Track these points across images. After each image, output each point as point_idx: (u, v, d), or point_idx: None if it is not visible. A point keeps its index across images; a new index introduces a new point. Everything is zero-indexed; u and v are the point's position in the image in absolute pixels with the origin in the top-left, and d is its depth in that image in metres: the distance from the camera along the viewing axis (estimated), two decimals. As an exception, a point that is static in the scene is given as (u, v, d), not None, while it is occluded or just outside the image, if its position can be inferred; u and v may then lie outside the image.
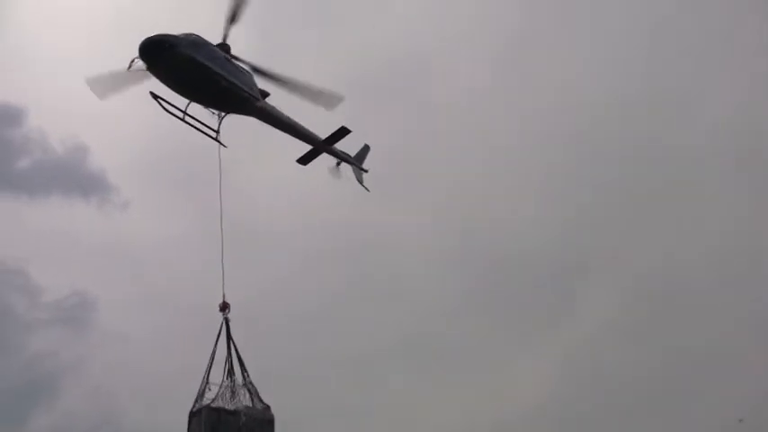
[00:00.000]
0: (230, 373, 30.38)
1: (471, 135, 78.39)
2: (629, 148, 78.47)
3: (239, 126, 37.27)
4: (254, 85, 37.17)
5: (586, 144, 78.70)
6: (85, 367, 62.89)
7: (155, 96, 34.58)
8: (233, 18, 35.15)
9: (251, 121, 37.67)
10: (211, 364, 30.96)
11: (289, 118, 39.00)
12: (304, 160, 40.80)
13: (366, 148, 44.26)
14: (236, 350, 31.70)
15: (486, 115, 79.95)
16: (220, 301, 33.66)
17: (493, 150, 78.15)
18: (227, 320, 33.17)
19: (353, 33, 78.88)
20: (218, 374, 30.65)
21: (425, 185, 76.87)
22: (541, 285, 73.17)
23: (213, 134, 35.90)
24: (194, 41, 34.11)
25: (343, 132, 39.93)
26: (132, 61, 33.44)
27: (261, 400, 30.06)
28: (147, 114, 36.55)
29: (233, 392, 29.50)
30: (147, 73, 33.77)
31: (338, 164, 42.22)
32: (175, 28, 34.07)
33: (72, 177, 70.20)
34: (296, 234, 69.19)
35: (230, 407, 28.83)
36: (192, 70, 33.84)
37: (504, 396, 66.88)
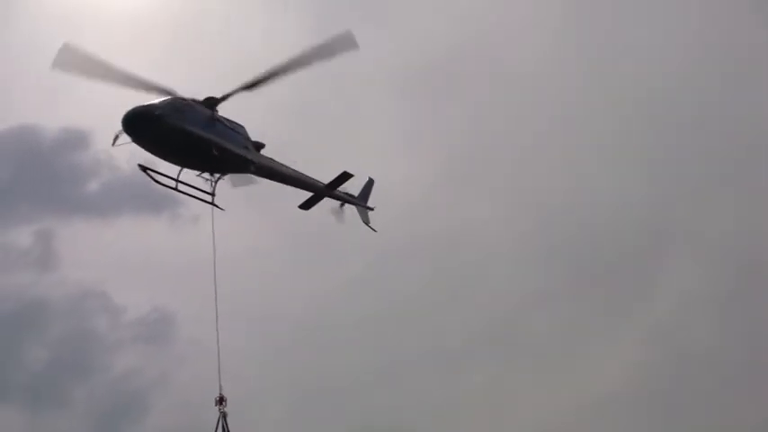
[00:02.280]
0: None
1: (543, 118, 78.32)
2: (709, 116, 76.98)
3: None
4: (248, 140, 36.18)
5: (662, 114, 77.54)
6: (171, 382, 63.92)
7: (144, 169, 33.77)
8: (250, 87, 33.79)
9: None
10: None
11: (287, 168, 38.01)
12: (306, 206, 39.91)
13: (370, 184, 43.19)
14: None
15: (557, 93, 78.99)
16: (217, 394, 32.46)
17: (565, 130, 78.19)
18: (224, 416, 31.50)
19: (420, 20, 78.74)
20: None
21: (499, 173, 77.43)
22: (621, 268, 72.98)
23: (209, 198, 35.05)
24: (178, 108, 32.96)
25: (344, 177, 38.99)
26: (116, 137, 32.75)
27: None
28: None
29: None
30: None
31: (342, 205, 41.24)
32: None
33: (141, 195, 70.72)
34: (368, 232, 69.39)
35: None
36: (180, 140, 32.84)
37: (588, 382, 67.33)
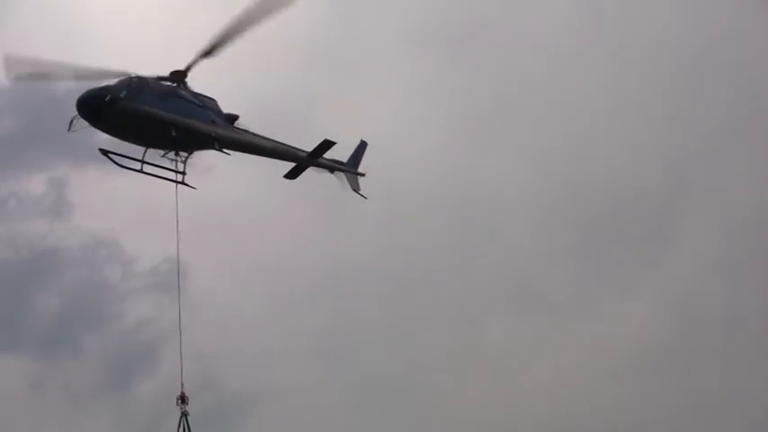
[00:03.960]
0: None
1: (560, 73, 75.48)
2: (735, 77, 73.77)
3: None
4: (218, 113, 34.10)
5: (682, 71, 74.55)
6: (183, 332, 64.32)
7: (105, 153, 32.06)
8: (208, 53, 31.98)
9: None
10: None
11: (264, 139, 35.71)
12: (291, 175, 37.70)
13: (362, 147, 40.52)
14: None
15: (575, 48, 76.11)
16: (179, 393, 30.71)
17: (583, 86, 75.56)
18: (185, 415, 29.92)
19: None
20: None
21: (516, 128, 75.09)
22: (637, 226, 71.85)
23: (180, 178, 33.18)
24: (134, 87, 31.25)
25: (327, 145, 36.47)
26: (72, 121, 30.97)
27: None
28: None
29: None
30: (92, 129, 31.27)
31: (331, 172, 38.95)
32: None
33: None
34: (391, 185, 68.66)
35: None
36: (136, 121, 31.20)
37: (603, 340, 67.54)
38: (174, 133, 31.56)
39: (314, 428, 61.79)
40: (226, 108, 35.14)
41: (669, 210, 71.70)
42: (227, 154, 34.04)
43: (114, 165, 32.50)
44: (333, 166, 38.80)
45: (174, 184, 33.10)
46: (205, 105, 33.48)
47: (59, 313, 61.93)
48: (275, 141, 36.13)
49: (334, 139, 36.43)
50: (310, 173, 38.75)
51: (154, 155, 33.22)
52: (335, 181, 39.85)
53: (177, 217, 33.22)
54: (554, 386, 63.75)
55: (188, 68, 32.76)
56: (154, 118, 31.31)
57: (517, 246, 69.75)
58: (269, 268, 65.50)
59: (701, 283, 67.83)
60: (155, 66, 33.28)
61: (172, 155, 33.01)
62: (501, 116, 72.30)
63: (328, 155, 37.95)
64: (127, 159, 32.34)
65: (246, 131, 35.11)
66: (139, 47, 58.79)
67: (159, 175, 32.98)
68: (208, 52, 31.84)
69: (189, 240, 64.60)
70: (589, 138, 73.55)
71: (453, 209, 70.03)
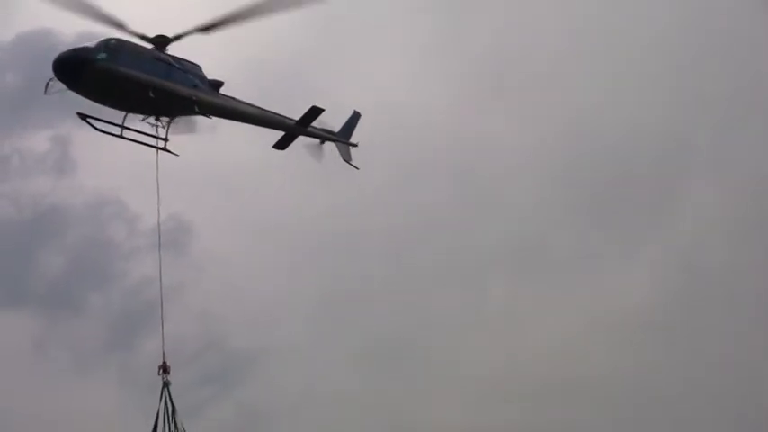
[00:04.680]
0: None
1: (566, 35, 74.38)
2: (741, 42, 72.13)
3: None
4: (202, 79, 33.25)
5: (687, 34, 73.51)
6: (187, 292, 64.55)
7: (83, 117, 31.34)
8: (206, 29, 31.41)
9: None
10: None
11: (250, 107, 34.92)
12: (280, 145, 36.84)
13: (355, 118, 39.50)
14: (174, 417, 28.15)
15: (580, 8, 74.32)
16: (160, 362, 30.04)
17: (588, 47, 74.56)
18: (166, 385, 29.42)
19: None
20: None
21: (521, 90, 73.99)
22: (641, 188, 71.49)
23: (161, 144, 32.47)
24: (112, 49, 30.40)
25: (315, 112, 35.65)
26: (48, 84, 30.29)
27: None
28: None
29: None
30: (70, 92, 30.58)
31: (321, 143, 37.99)
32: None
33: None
34: (395, 146, 68.12)
35: None
36: (116, 84, 30.41)
37: (605, 301, 67.60)
38: (151, 95, 30.69)
39: (317, 386, 62.07)
40: (219, 71, 34.59)
41: (672, 172, 71.18)
42: (209, 117, 33.25)
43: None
44: (324, 136, 37.92)
45: (157, 150, 32.47)
46: (187, 70, 32.65)
47: (63, 272, 62.25)
48: (261, 108, 35.31)
49: (322, 106, 35.64)
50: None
51: (137, 121, 32.70)
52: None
53: (158, 183, 32.53)
54: (554, 345, 63.73)
55: (177, 38, 32.03)
56: (132, 81, 30.53)
57: (519, 207, 69.52)
58: (272, 228, 65.20)
59: (702, 245, 67.58)
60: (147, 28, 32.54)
61: (153, 120, 32.33)
62: (504, 78, 71.38)
63: (319, 125, 37.21)
64: (106, 124, 31.65)
65: (231, 98, 34.30)
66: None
67: (140, 140, 32.34)
68: (205, 29, 31.23)
69: (192, 200, 64.96)
70: (593, 101, 72.44)
71: (456, 171, 69.81)
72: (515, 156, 71.03)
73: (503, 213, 68.95)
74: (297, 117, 36.07)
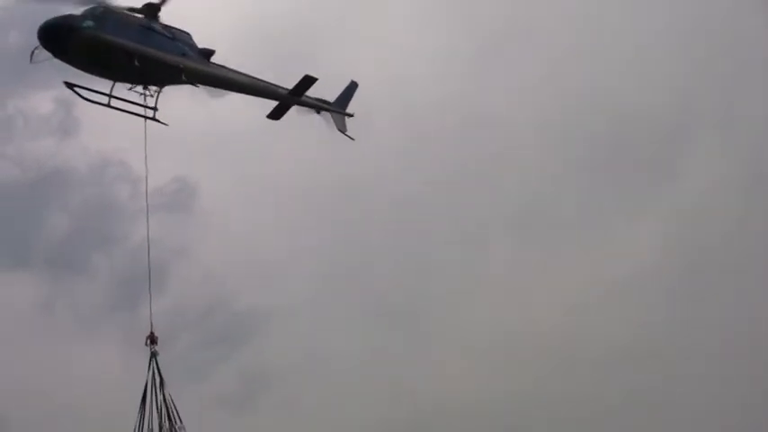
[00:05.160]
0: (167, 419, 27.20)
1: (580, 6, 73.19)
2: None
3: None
4: (190, 46, 32.81)
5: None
6: (191, 253, 64.78)
7: (70, 86, 31.01)
8: None
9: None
10: (143, 414, 27.54)
11: (242, 76, 34.41)
12: (275, 116, 36.36)
13: (352, 87, 38.73)
14: (162, 389, 28.10)
15: None
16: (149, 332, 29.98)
17: (596, 11, 73.13)
18: (154, 355, 29.35)
19: None
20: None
21: (528, 53, 73.10)
22: (647, 150, 71.15)
23: (150, 114, 32.08)
24: (97, 16, 30.07)
25: (308, 81, 35.08)
26: (33, 52, 29.88)
27: None
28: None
29: None
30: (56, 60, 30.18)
31: (318, 112, 37.43)
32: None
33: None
34: (398, 114, 67.75)
35: None
36: (102, 52, 30.07)
37: (608, 264, 67.50)
38: (136, 63, 30.27)
39: (319, 348, 62.50)
40: (211, 40, 34.06)
41: (678, 131, 70.60)
42: (197, 86, 32.78)
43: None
44: (318, 106, 37.34)
45: (145, 119, 32.11)
46: (176, 38, 32.25)
47: (67, 233, 62.42)
48: (253, 77, 34.83)
49: (315, 75, 35.05)
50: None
51: (126, 90, 32.28)
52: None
53: (146, 152, 32.17)
54: (557, 307, 63.83)
55: (163, 2, 31.57)
56: (118, 49, 30.21)
57: (524, 166, 69.12)
58: (278, 187, 65.32)
59: (709, 205, 67.00)
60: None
61: (141, 89, 31.90)
62: (508, 36, 70.77)
63: (314, 94, 36.65)
64: (94, 93, 31.29)
65: (222, 66, 33.80)
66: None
67: (128, 110, 31.99)
68: None
69: (198, 160, 64.86)
70: (598, 58, 72.07)
71: (459, 130, 69.35)
72: (519, 116, 70.49)
73: (506, 173, 68.69)
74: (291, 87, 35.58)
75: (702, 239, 66.92)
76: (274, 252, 64.94)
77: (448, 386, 62.75)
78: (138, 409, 27.50)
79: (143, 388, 28.30)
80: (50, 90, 62.53)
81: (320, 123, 38.55)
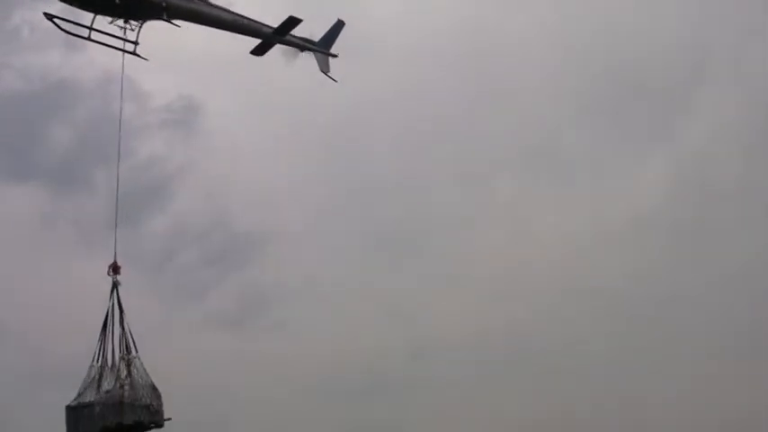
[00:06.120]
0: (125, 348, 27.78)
1: None
2: None
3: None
4: (173, -21, 32.53)
5: None
6: (196, 171, 65.52)
7: (49, 17, 31.19)
8: None
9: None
10: (104, 340, 28.06)
11: (225, 12, 34.06)
12: (258, 52, 36.29)
13: (338, 27, 38.22)
14: (122, 318, 28.50)
15: None
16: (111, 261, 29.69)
17: None
18: (116, 285, 29.33)
19: None
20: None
21: None
22: (657, 92, 70.11)
23: (130, 48, 32.30)
24: None
25: (291, 22, 34.79)
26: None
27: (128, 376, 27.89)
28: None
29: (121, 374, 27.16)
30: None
31: (301, 51, 37.35)
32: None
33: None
34: (409, 44, 67.08)
35: (94, 397, 26.83)
36: None
37: (613, 206, 67.65)
38: None
39: (321, 271, 63.57)
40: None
41: (688, 75, 69.49)
42: (177, 26, 32.79)
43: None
44: (302, 45, 37.05)
45: (123, 53, 32.32)
46: (158, -29, 31.91)
47: (71, 147, 63.08)
48: (237, 14, 34.49)
49: (299, 17, 34.79)
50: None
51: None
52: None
53: (122, 84, 32.49)
54: (559, 246, 64.32)
55: None
56: None
57: (531, 104, 68.61)
58: (282, 109, 64.92)
59: (716, 150, 66.56)
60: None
61: (122, 23, 32.02)
62: None
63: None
64: (74, 26, 31.51)
65: (205, 2, 33.49)
66: None
67: (109, 44, 32.18)
68: None
69: (201, 79, 64.82)
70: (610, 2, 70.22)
71: (468, 65, 68.54)
72: (529, 53, 69.45)
73: (514, 110, 68.20)
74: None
75: (709, 182, 66.49)
76: (276, 177, 65.51)
77: (447, 316, 63.86)
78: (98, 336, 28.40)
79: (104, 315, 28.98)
80: (58, 3, 62.88)
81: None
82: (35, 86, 62.29)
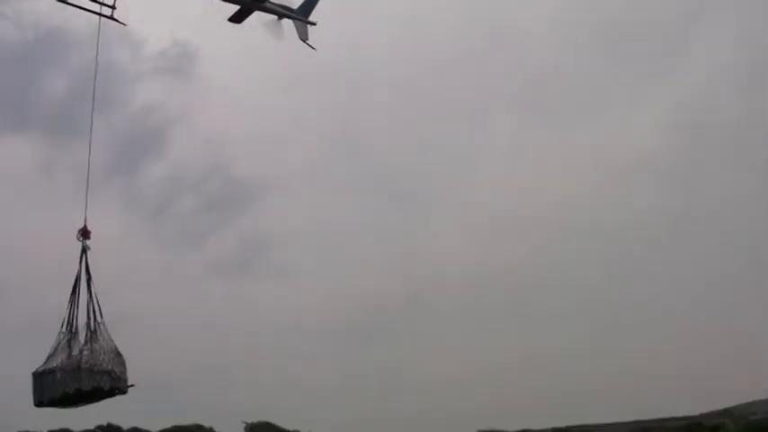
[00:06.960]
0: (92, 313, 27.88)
1: None
2: None
3: None
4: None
5: None
6: (192, 117, 65.79)
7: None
8: None
9: None
10: (73, 306, 28.07)
11: None
12: (236, 19, 36.37)
13: None
14: (89, 285, 28.38)
15: None
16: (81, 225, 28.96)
17: None
18: (84, 251, 28.82)
19: None
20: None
21: None
22: (656, 29, 69.47)
23: (108, 12, 32.44)
24: None
25: None
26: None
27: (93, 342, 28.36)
28: None
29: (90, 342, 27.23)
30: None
31: (279, 19, 37.29)
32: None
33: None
34: None
35: (56, 363, 27.05)
36: None
37: (611, 145, 67.88)
38: None
39: (321, 215, 64.57)
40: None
41: (685, 18, 68.69)
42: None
43: None
44: (280, 12, 37.02)
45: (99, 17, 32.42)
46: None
47: (66, 96, 63.33)
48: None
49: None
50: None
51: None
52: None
53: (98, 49, 32.58)
54: (556, 183, 64.83)
55: None
56: None
57: (530, 43, 68.44)
58: (281, 51, 65.22)
59: (713, 96, 66.53)
60: None
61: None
62: None
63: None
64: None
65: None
66: None
67: (85, 7, 32.32)
68: None
69: (199, 24, 64.58)
70: None
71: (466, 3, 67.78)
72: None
73: (512, 50, 67.99)
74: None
75: (705, 125, 66.43)
76: (277, 119, 66.04)
77: (446, 256, 64.99)
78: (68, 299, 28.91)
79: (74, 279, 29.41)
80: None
81: (275, 38, 38.45)
82: (29, 35, 62.14)
